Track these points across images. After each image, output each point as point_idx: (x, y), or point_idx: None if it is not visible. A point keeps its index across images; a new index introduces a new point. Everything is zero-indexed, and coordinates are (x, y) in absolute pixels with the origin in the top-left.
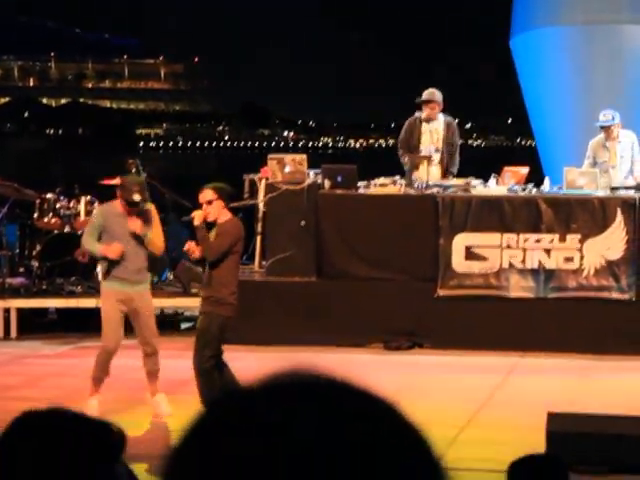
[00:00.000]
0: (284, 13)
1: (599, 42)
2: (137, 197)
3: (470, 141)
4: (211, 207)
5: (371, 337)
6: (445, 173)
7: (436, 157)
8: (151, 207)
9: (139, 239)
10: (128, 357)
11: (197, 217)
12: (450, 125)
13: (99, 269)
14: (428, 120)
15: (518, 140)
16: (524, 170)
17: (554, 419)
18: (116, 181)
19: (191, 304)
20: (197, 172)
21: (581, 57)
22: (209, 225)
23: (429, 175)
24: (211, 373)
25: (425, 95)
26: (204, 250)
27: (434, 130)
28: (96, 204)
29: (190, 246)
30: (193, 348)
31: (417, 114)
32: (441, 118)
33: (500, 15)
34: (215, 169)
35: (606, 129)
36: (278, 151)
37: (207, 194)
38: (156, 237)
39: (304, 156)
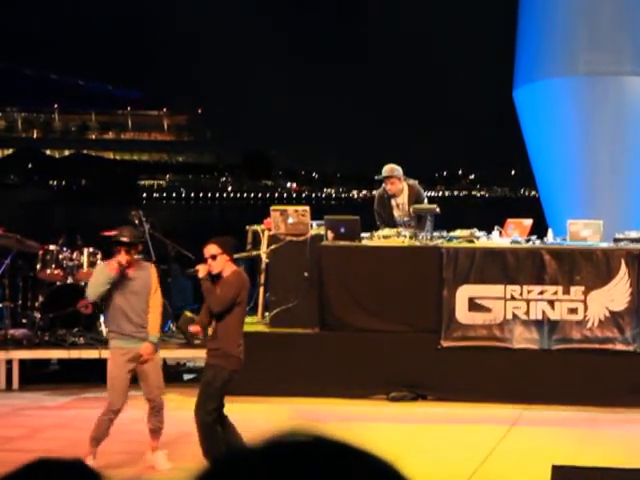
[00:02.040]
0: (290, 66)
1: (602, 93)
2: (124, 238)
3: (474, 192)
4: (215, 262)
5: (374, 389)
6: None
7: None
8: (151, 267)
9: (141, 296)
10: (132, 408)
11: (201, 270)
12: (412, 189)
13: (102, 320)
14: (393, 195)
15: (522, 191)
16: (527, 222)
17: (559, 472)
18: None
19: (193, 355)
20: (200, 223)
21: (584, 108)
22: (213, 277)
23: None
24: (214, 426)
25: (384, 172)
26: (209, 302)
27: (401, 204)
28: (99, 255)
29: (199, 267)
30: (196, 400)
31: (386, 187)
32: (405, 188)
33: (503, 67)
34: (218, 220)
35: None
36: (281, 202)
37: (211, 249)
38: (155, 294)
39: (307, 208)
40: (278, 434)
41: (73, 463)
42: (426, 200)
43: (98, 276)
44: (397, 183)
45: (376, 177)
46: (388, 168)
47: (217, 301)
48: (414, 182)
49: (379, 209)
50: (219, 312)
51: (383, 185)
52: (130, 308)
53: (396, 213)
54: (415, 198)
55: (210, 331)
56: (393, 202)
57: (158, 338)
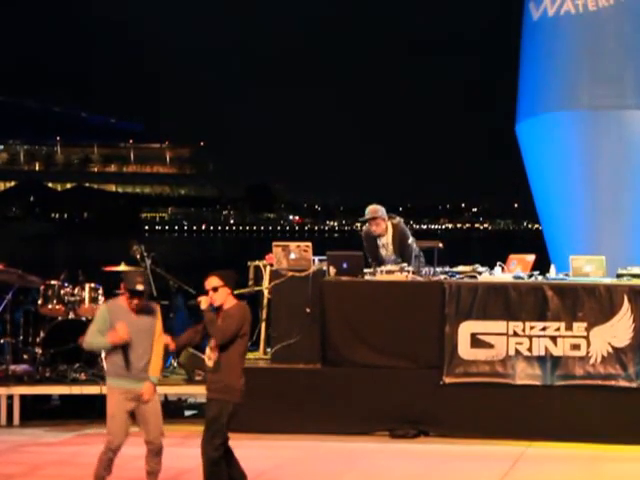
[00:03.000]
0: (292, 101)
1: (604, 127)
2: (140, 287)
3: (477, 225)
4: (217, 294)
5: (376, 425)
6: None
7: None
8: (157, 308)
9: (146, 336)
10: (130, 445)
11: (204, 301)
12: (395, 228)
13: (103, 355)
14: (379, 235)
15: (525, 224)
16: (530, 257)
17: None
18: (120, 268)
19: (195, 391)
20: (202, 256)
21: (586, 142)
22: (215, 310)
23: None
24: (220, 462)
25: (368, 214)
26: (212, 333)
27: (386, 244)
28: (100, 291)
29: (201, 298)
30: (202, 436)
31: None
32: (389, 227)
33: (506, 100)
34: (220, 253)
35: None
36: (283, 234)
37: (213, 281)
38: (158, 334)
39: (309, 243)
40: None
41: None
42: (411, 239)
43: (96, 336)
44: (381, 224)
45: (359, 219)
46: (372, 209)
47: (219, 332)
48: (398, 221)
49: (368, 246)
50: (221, 344)
51: (367, 225)
52: (131, 350)
53: (382, 252)
54: (399, 236)
55: (211, 364)
56: (379, 242)
57: (158, 379)
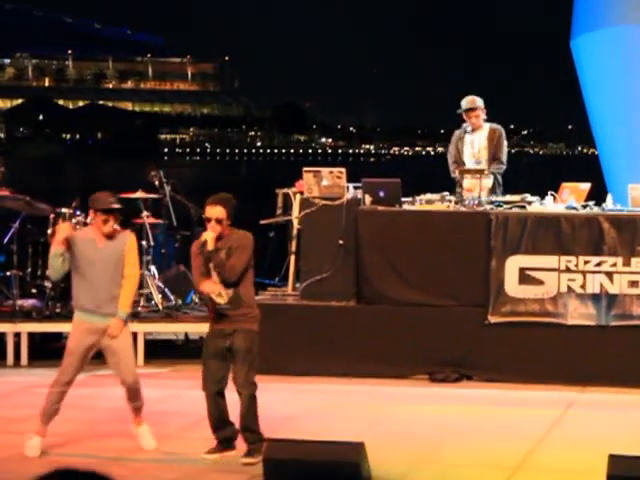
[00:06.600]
0: (324, 10)
1: None
2: (115, 205)
3: (527, 149)
4: (221, 227)
5: (415, 368)
6: (492, 189)
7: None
8: (129, 236)
9: (114, 266)
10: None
11: (210, 241)
12: (493, 133)
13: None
14: (474, 130)
15: (579, 148)
16: (584, 186)
17: (616, 462)
18: (137, 195)
19: None
20: (226, 181)
21: None
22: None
23: (475, 189)
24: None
25: (466, 104)
26: (225, 274)
27: (475, 141)
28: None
29: (206, 238)
30: (235, 371)
31: (464, 125)
32: (486, 127)
33: (561, 15)
34: (246, 177)
35: None
36: (315, 158)
37: (219, 211)
38: (130, 266)
39: (343, 169)
40: None
41: (91, 475)
42: (505, 153)
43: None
44: (481, 115)
45: (457, 111)
46: (470, 99)
47: (232, 271)
48: (498, 126)
49: (453, 149)
50: (237, 280)
51: (464, 125)
52: (94, 280)
53: (466, 150)
54: (498, 138)
55: (225, 300)
56: (468, 137)
57: (128, 314)
